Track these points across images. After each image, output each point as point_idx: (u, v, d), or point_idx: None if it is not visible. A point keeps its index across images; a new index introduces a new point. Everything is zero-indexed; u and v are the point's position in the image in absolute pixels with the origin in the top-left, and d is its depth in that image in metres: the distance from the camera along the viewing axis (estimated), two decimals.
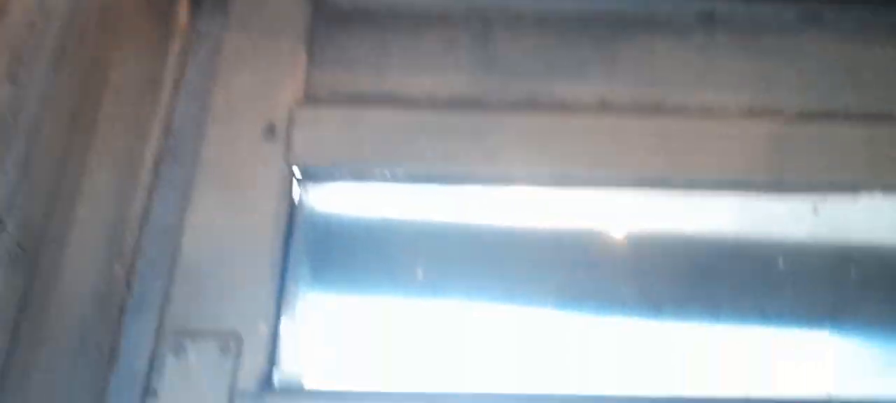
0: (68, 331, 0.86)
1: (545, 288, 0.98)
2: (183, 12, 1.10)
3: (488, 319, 0.96)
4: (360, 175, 1.02)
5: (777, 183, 1.02)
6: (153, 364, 0.87)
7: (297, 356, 0.92)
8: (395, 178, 1.02)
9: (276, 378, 0.88)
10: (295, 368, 0.91)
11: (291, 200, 0.99)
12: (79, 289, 0.88)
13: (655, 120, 1.05)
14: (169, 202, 0.95)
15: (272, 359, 0.89)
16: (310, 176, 1.01)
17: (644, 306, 0.96)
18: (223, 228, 0.95)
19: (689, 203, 1.02)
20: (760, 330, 0.95)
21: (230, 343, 0.88)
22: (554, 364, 0.92)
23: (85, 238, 0.90)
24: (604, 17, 1.13)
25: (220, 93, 1.04)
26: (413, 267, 0.99)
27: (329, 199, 1.02)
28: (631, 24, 1.13)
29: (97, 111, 0.95)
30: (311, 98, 1.07)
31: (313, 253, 0.98)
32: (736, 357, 0.93)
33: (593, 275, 0.99)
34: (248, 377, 0.87)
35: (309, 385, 0.90)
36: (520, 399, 0.87)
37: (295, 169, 1.00)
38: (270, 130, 1.01)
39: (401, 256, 1.00)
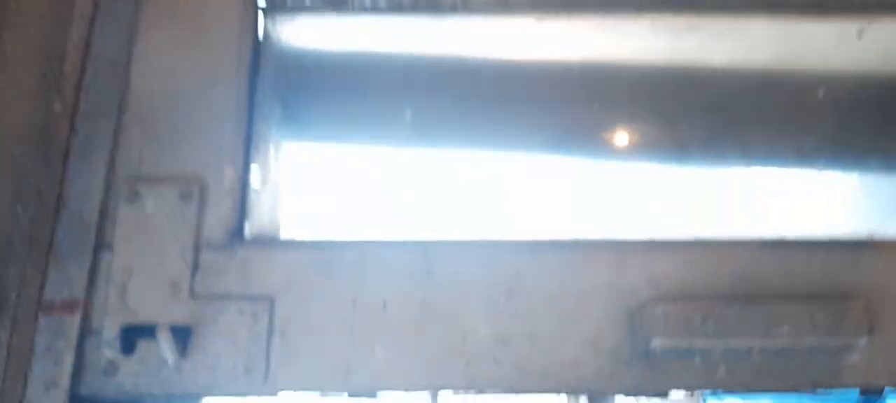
0: (2, 176, 0.75)
1: (553, 130, 0.86)
2: None
3: (486, 165, 0.86)
4: (335, 3, 0.88)
5: (817, 3, 0.89)
6: (105, 214, 0.76)
7: (271, 206, 0.82)
8: (376, 7, 0.88)
9: (248, 229, 0.78)
10: (268, 219, 0.81)
11: (255, 33, 0.85)
12: (12, 130, 0.76)
13: None
14: (113, 33, 0.81)
15: (242, 208, 0.78)
16: (276, 4, 0.87)
17: (667, 146, 0.85)
18: (177, 63, 0.81)
19: (717, 28, 0.88)
20: (797, 170, 0.84)
21: (193, 189, 0.76)
22: (567, 211, 0.82)
23: (15, 71, 0.77)
24: None
25: None
26: (399, 109, 0.87)
27: (300, 32, 0.88)
28: None
29: None
30: None
31: (285, 94, 0.85)
32: (769, 198, 0.82)
33: (608, 114, 0.86)
34: (216, 226, 0.76)
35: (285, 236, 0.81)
36: (522, 247, 0.77)
37: None
38: None
39: (384, 97, 0.87)
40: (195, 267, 0.75)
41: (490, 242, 0.77)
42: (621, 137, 0.85)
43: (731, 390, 0.75)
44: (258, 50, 0.85)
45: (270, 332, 0.73)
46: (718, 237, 0.79)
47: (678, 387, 0.75)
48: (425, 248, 0.76)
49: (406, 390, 0.73)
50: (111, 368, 0.72)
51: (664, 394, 0.76)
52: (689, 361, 0.74)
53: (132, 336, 0.73)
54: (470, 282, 0.75)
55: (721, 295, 0.74)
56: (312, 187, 0.84)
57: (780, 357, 0.73)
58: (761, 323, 0.71)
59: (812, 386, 0.75)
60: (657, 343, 0.71)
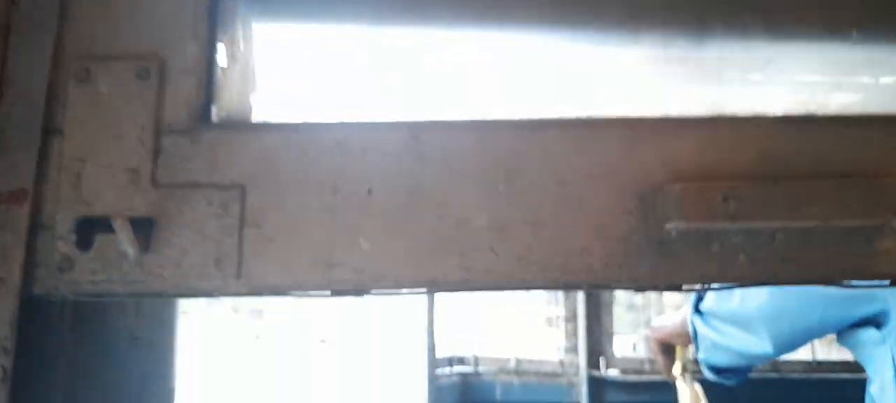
0: None
1: (555, 5, 0.78)
2: None
3: (481, 43, 0.77)
4: None
5: None
6: (54, 95, 0.68)
7: (241, 88, 0.73)
8: None
9: (215, 112, 0.70)
10: (238, 102, 0.73)
11: None
12: None
13: None
14: None
15: (208, 88, 0.70)
16: None
17: (682, 21, 0.76)
18: None
19: None
20: (828, 45, 0.76)
21: (150, 68, 0.68)
22: (572, 92, 0.74)
23: None
24: None
25: None
26: None
27: None
28: None
29: None
30: None
31: None
32: (801, 81, 0.74)
33: None
34: (178, 108, 0.68)
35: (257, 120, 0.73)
36: (523, 126, 0.69)
37: None
38: None
39: None
40: (156, 152, 0.67)
41: (487, 121, 0.69)
42: (634, 11, 0.77)
43: (751, 282, 0.68)
44: None
45: (242, 224, 0.66)
46: (740, 113, 0.72)
47: (694, 280, 0.69)
48: (414, 129, 0.68)
49: (395, 285, 0.67)
50: (66, 264, 0.65)
51: (678, 287, 0.70)
52: (706, 249, 0.67)
53: (89, 229, 0.66)
54: (465, 166, 0.68)
55: (743, 175, 0.67)
56: (287, 69, 0.76)
57: (806, 243, 0.67)
58: (787, 203, 0.64)
59: (841, 277, 0.68)
60: (672, 226, 0.64)
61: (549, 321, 2.71)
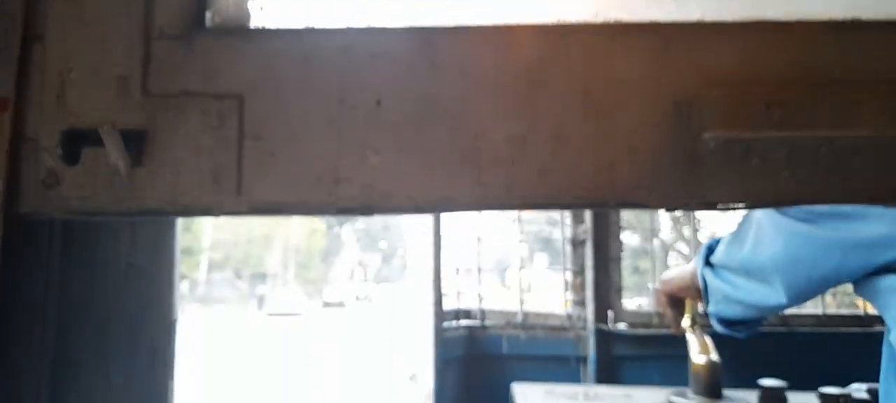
0: None
1: None
2: None
3: None
4: None
5: None
6: (32, 4, 0.63)
7: None
8: None
9: (209, 17, 0.65)
10: (234, 6, 0.67)
11: None
12: None
13: None
14: None
15: None
16: None
17: None
18: None
19: None
20: None
21: None
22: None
23: None
24: None
25: None
26: None
27: None
28: None
29: None
30: None
31: None
32: None
33: None
34: (170, 11, 0.62)
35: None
36: (546, 32, 0.64)
37: None
38: None
39: None
40: (147, 60, 0.61)
41: (506, 27, 0.63)
42: None
43: (793, 201, 0.63)
44: None
45: (241, 136, 0.61)
46: (781, 18, 0.66)
47: (731, 198, 0.64)
48: (428, 36, 0.63)
49: (406, 203, 0.62)
50: (52, 179, 0.60)
51: (713, 205, 0.65)
52: (745, 163, 0.61)
53: (76, 142, 0.61)
54: (482, 74, 0.62)
55: (787, 82, 0.62)
56: None
57: (854, 157, 0.61)
58: (837, 111, 0.58)
59: (892, 196, 0.63)
60: (709, 136, 0.59)
61: (564, 283, 2.67)
